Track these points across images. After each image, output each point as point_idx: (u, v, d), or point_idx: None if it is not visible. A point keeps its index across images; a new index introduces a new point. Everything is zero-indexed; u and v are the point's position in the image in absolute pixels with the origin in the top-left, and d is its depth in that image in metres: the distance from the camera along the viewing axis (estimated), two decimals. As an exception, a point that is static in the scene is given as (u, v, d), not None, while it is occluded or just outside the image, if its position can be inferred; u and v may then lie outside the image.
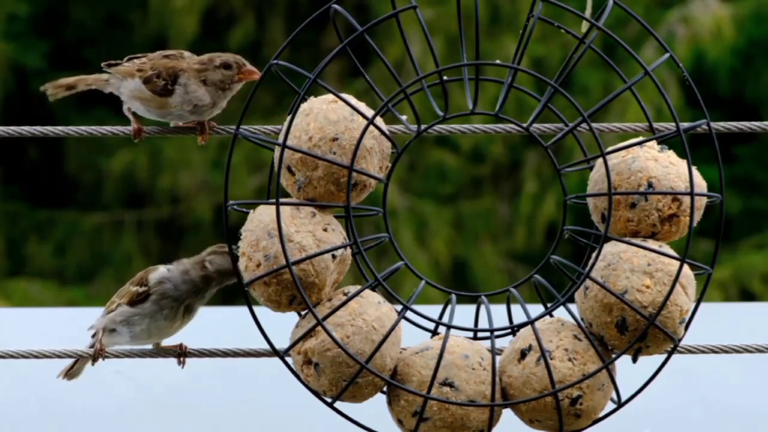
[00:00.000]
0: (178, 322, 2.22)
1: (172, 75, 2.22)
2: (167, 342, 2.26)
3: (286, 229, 2.07)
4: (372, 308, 2.09)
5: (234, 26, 6.04)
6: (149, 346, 2.26)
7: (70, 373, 2.27)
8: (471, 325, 2.18)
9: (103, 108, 4.98)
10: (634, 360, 2.11)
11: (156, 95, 2.22)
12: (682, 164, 2.11)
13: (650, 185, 2.09)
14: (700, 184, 2.11)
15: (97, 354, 2.23)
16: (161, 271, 2.22)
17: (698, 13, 6.16)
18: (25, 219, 6.04)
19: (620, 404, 2.14)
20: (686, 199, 2.10)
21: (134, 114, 2.26)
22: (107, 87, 2.27)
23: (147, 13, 6.05)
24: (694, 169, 2.09)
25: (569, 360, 2.08)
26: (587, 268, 2.09)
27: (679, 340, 2.09)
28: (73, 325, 2.38)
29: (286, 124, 2.10)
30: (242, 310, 2.17)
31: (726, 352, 2.24)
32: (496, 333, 2.12)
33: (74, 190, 6.06)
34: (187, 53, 2.25)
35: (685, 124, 2.11)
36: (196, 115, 2.23)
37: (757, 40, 6.09)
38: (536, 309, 2.14)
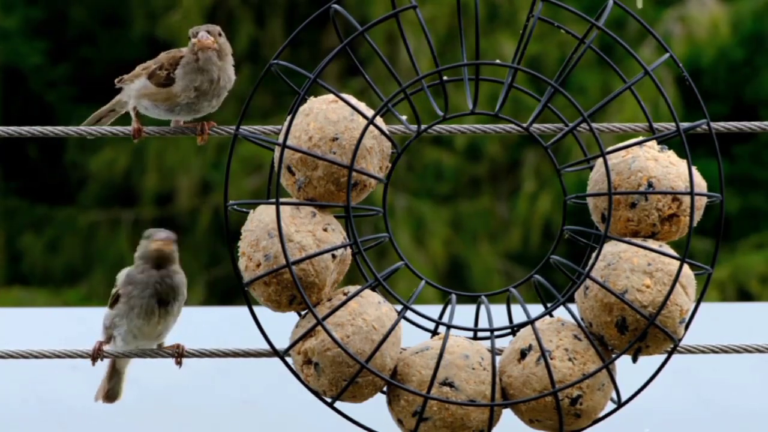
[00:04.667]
0: (155, 318, 2.21)
1: (174, 64, 2.22)
2: (168, 342, 2.26)
3: (286, 229, 2.07)
4: (372, 308, 2.09)
5: (234, 26, 6.04)
6: (149, 345, 2.26)
7: (110, 396, 2.28)
8: (471, 325, 2.18)
9: (102, 105, 4.98)
10: (634, 360, 2.11)
11: (160, 87, 2.22)
12: (682, 164, 2.11)
13: (650, 185, 2.09)
14: (700, 183, 2.11)
15: (96, 354, 2.23)
16: (125, 270, 2.22)
17: (695, 13, 6.16)
18: (24, 215, 6.05)
19: (620, 404, 2.14)
20: (686, 199, 2.10)
21: (137, 114, 2.26)
22: (125, 106, 2.27)
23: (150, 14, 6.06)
24: (694, 168, 2.09)
25: (569, 360, 2.08)
26: (587, 268, 2.09)
27: (679, 340, 2.09)
28: (72, 325, 2.38)
29: (286, 124, 2.10)
30: (242, 310, 2.17)
31: (726, 352, 2.24)
32: (496, 333, 2.12)
33: (71, 188, 6.07)
34: (185, 49, 2.25)
35: (685, 124, 2.11)
36: (204, 99, 2.21)
37: (749, 39, 6.10)
38: (536, 309, 2.14)
